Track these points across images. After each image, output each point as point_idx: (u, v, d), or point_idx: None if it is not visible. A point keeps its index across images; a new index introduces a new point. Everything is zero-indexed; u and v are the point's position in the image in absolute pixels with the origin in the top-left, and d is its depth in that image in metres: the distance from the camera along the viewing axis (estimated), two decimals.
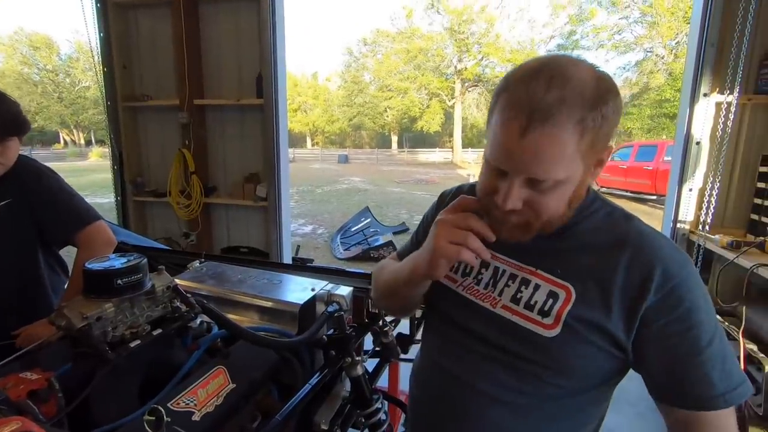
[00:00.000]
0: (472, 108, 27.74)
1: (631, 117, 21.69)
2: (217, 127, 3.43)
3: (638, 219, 0.70)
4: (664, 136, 18.51)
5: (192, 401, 0.72)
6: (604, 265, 0.66)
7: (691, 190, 2.68)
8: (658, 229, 0.71)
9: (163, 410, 0.58)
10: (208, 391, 0.75)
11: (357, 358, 1.01)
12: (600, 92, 0.58)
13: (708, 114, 2.57)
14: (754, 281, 2.33)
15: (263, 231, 3.41)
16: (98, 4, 3.24)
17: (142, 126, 3.60)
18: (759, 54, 2.47)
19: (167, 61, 3.30)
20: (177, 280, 0.87)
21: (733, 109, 2.43)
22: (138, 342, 0.73)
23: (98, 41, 3.31)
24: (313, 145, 40.95)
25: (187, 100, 3.20)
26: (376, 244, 6.00)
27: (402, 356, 1.37)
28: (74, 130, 35.34)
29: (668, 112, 19.43)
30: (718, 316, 0.70)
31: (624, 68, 23.14)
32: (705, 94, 2.56)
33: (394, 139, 36.43)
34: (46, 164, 1.41)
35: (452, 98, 27.94)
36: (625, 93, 23.52)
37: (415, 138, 35.95)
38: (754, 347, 2.17)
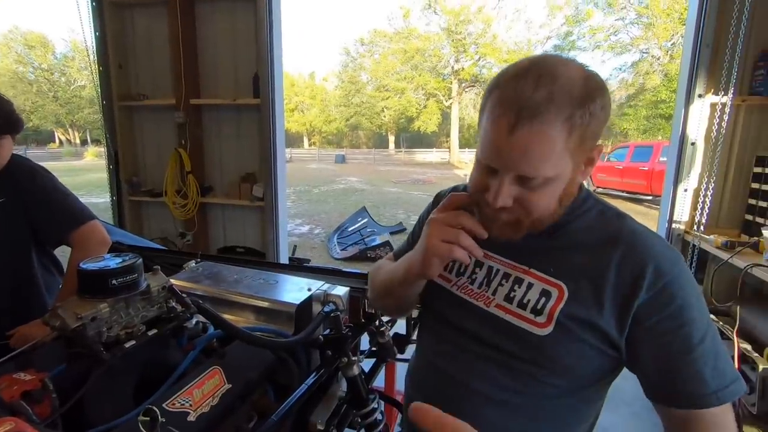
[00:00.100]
0: (469, 108, 27.79)
1: (627, 118, 21.81)
2: (213, 126, 3.42)
3: (630, 217, 0.71)
4: (660, 137, 18.61)
5: (187, 402, 0.72)
6: (597, 264, 0.66)
7: (686, 190, 2.70)
8: (654, 229, 0.71)
9: (157, 410, 0.58)
10: (203, 392, 0.75)
11: (353, 358, 1.01)
12: (588, 90, 0.59)
13: (703, 115, 2.59)
14: (748, 281, 2.34)
15: (260, 231, 3.40)
16: (94, 3, 3.23)
17: (138, 125, 3.59)
18: (753, 55, 2.49)
19: (163, 60, 3.29)
20: (173, 280, 0.87)
21: (727, 110, 2.45)
22: (133, 342, 0.72)
23: (94, 40, 3.29)
24: (310, 145, 40.91)
25: (183, 99, 3.20)
26: (373, 244, 5.99)
27: (398, 356, 1.37)
28: (69, 130, 35.15)
29: (664, 112, 19.53)
30: (712, 316, 0.70)
31: (620, 69, 23.30)
32: (700, 95, 2.57)
33: (391, 139, 36.43)
34: (41, 164, 1.40)
35: (449, 98, 27.98)
36: (621, 94, 23.64)
37: (413, 138, 35.99)
38: (748, 346, 2.19)
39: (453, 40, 25.70)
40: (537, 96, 0.57)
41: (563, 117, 0.57)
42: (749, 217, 2.59)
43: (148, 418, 0.58)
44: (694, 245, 2.58)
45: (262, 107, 3.05)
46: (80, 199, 1.41)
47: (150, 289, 0.80)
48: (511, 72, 0.61)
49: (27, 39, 29.49)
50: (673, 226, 2.77)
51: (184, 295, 0.84)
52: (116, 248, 1.61)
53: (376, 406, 1.06)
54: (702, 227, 2.58)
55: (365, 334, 1.23)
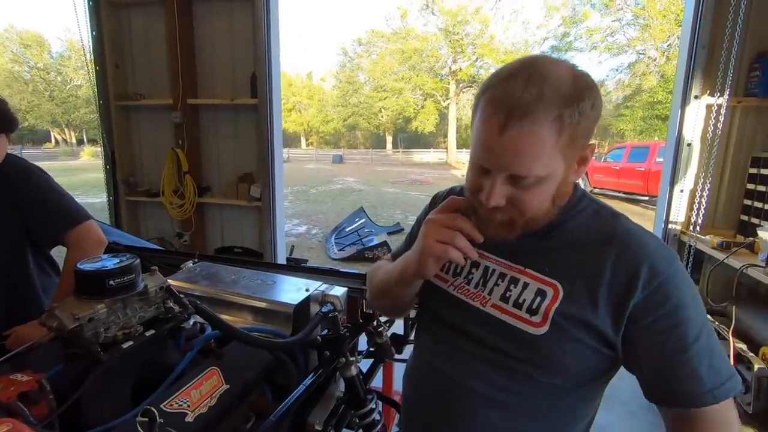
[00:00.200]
0: (467, 109, 27.82)
1: (623, 118, 21.89)
2: (210, 126, 3.42)
3: (625, 217, 0.71)
4: (656, 138, 18.69)
5: (185, 402, 0.72)
6: (592, 263, 0.67)
7: (682, 191, 2.71)
8: (650, 229, 0.71)
9: (155, 411, 0.58)
10: (201, 392, 0.75)
11: (351, 359, 1.01)
12: (577, 89, 0.59)
13: (699, 116, 2.60)
14: (743, 281, 2.36)
15: (257, 231, 3.40)
16: (91, 3, 3.21)
17: (134, 125, 3.58)
18: (748, 57, 2.50)
19: (160, 60, 3.28)
20: (170, 281, 0.87)
21: (723, 111, 2.46)
22: (131, 343, 0.72)
23: (91, 40, 3.28)
24: (307, 145, 40.88)
25: (180, 99, 3.19)
26: (371, 244, 5.99)
27: (396, 356, 1.37)
28: (65, 129, 34.96)
29: (660, 113, 19.61)
30: (708, 316, 0.70)
31: (617, 70, 23.43)
32: (696, 97, 2.59)
33: (389, 139, 36.45)
34: (37, 163, 1.39)
35: (447, 99, 28.00)
36: (617, 95, 23.75)
37: (410, 138, 35.98)
38: (744, 346, 2.20)
39: (450, 41, 25.71)
40: (526, 96, 0.57)
41: (553, 116, 0.58)
42: (744, 218, 2.61)
43: (146, 419, 0.58)
44: (690, 245, 2.60)
45: (260, 107, 3.05)
46: (76, 199, 1.40)
47: (147, 290, 0.80)
48: (502, 73, 0.62)
49: (23, 38, 29.31)
50: (670, 226, 2.78)
51: (181, 296, 0.84)
52: (113, 249, 1.60)
53: (374, 406, 1.06)
54: (698, 228, 2.59)
55: (363, 334, 1.23)
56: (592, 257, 0.67)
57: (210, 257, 1.56)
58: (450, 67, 26.92)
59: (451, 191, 0.90)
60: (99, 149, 3.43)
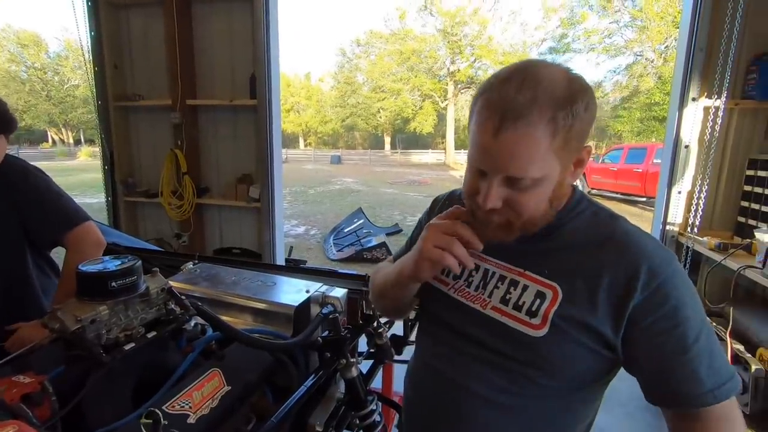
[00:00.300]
0: (465, 110, 27.78)
1: (621, 120, 21.94)
2: (209, 127, 3.41)
3: (624, 219, 0.72)
4: (654, 139, 18.74)
5: (187, 404, 0.72)
6: (591, 264, 0.67)
7: (680, 192, 2.73)
8: (648, 230, 0.72)
9: (160, 413, 0.58)
10: (203, 394, 0.75)
11: (352, 360, 1.01)
12: (571, 91, 0.60)
13: (696, 118, 2.62)
14: (741, 283, 2.37)
15: (256, 232, 3.39)
16: (89, 3, 3.20)
17: (133, 126, 3.57)
18: (746, 60, 2.52)
19: (159, 60, 3.28)
20: (170, 282, 0.87)
21: (720, 113, 2.47)
22: (133, 345, 0.72)
23: (89, 40, 3.27)
24: (305, 145, 40.84)
25: (179, 100, 3.18)
26: (369, 245, 5.99)
27: (396, 357, 1.37)
28: (63, 129, 34.83)
29: (657, 115, 19.66)
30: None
31: (614, 71, 23.45)
32: (694, 99, 2.60)
33: (387, 140, 36.44)
34: (34, 164, 1.39)
35: (445, 100, 28.02)
36: (615, 96, 23.81)
37: (408, 139, 36.00)
38: (741, 347, 2.22)
39: (449, 42, 25.74)
40: (521, 98, 0.59)
41: (547, 118, 0.59)
42: (742, 219, 2.62)
43: (150, 421, 0.58)
44: (687, 247, 2.61)
45: (259, 108, 3.05)
46: (74, 200, 1.40)
47: (149, 292, 0.80)
48: (497, 77, 0.63)
49: (20, 37, 29.20)
50: (667, 227, 2.79)
51: (182, 297, 0.84)
52: (113, 250, 1.60)
53: (374, 407, 1.06)
54: (695, 229, 2.60)
55: (363, 335, 1.23)
56: (591, 259, 0.67)
57: (210, 258, 1.56)
58: (448, 68, 26.95)
59: (452, 194, 0.91)
60: (96, 149, 3.43)
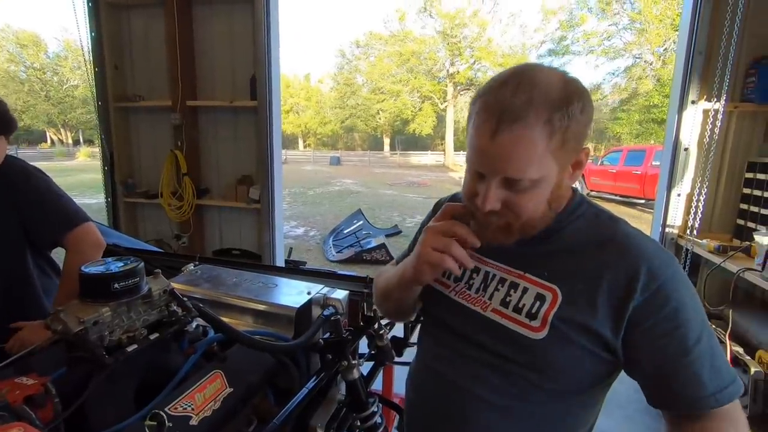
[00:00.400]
0: (464, 111, 27.53)
1: (619, 122, 21.98)
2: (210, 128, 3.41)
3: (624, 221, 0.72)
4: (653, 141, 18.77)
5: (189, 406, 0.72)
6: (591, 267, 0.67)
7: (679, 195, 2.73)
8: (647, 233, 0.72)
9: (164, 415, 0.58)
10: (205, 396, 0.75)
11: (353, 362, 1.01)
12: (567, 93, 0.61)
13: (696, 121, 2.62)
14: (740, 285, 2.38)
15: (256, 233, 3.39)
16: (90, 4, 3.21)
17: (133, 127, 3.57)
18: (745, 63, 2.53)
19: (160, 61, 3.28)
20: (171, 284, 0.87)
21: (720, 116, 2.48)
22: (135, 346, 0.72)
23: (89, 41, 3.27)
24: (305, 146, 40.82)
25: (179, 101, 3.18)
26: (369, 246, 5.99)
27: (396, 359, 1.37)
28: (62, 130, 34.77)
29: (656, 117, 19.69)
30: None
31: (613, 74, 23.47)
32: (693, 102, 2.61)
33: (386, 141, 36.43)
34: (34, 164, 1.39)
35: (444, 101, 28.04)
36: (614, 98, 23.84)
37: (408, 140, 36.01)
38: (741, 350, 2.22)
39: (448, 44, 25.76)
40: (517, 101, 0.59)
41: (543, 120, 0.59)
42: (741, 222, 2.63)
43: (154, 423, 0.58)
44: (687, 249, 2.61)
45: (259, 109, 3.05)
46: (74, 200, 1.40)
47: (151, 293, 0.80)
48: (494, 81, 0.64)
49: (19, 38, 29.17)
50: (667, 230, 2.80)
51: (184, 299, 0.84)
52: (114, 251, 1.60)
53: (375, 409, 1.06)
54: (695, 231, 2.61)
55: (363, 337, 1.23)
56: (591, 261, 0.68)
57: (211, 260, 1.56)
58: (447, 70, 26.98)
59: (454, 197, 0.91)
60: (95, 150, 3.43)
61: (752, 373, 2.08)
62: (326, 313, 1.03)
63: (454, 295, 0.79)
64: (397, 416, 1.35)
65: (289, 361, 0.94)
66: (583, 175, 11.63)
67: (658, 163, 8.12)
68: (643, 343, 0.64)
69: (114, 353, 0.70)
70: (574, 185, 0.75)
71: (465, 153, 0.69)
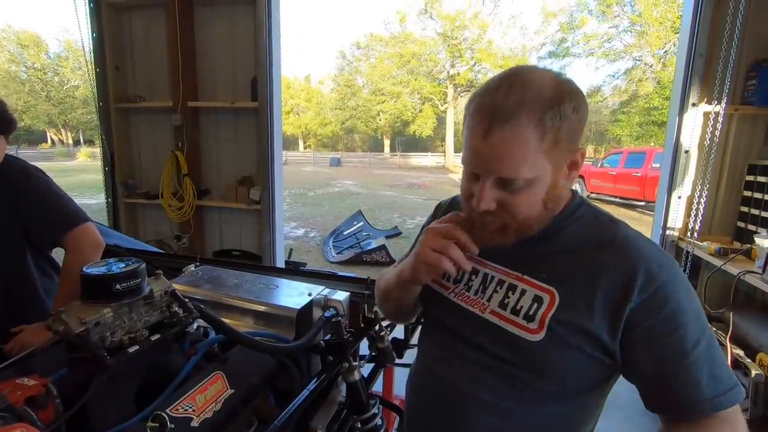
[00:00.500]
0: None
1: (620, 124, 22.01)
2: (210, 129, 3.41)
3: (624, 223, 0.72)
4: (653, 143, 18.79)
5: (190, 407, 0.72)
6: (589, 269, 0.67)
7: (679, 197, 2.73)
8: (648, 235, 0.72)
9: (166, 416, 0.58)
10: (206, 397, 0.75)
11: (354, 363, 1.01)
12: (558, 93, 0.61)
13: (696, 123, 2.63)
14: (740, 288, 2.38)
15: (256, 234, 3.39)
16: (91, 5, 3.21)
17: (134, 127, 3.57)
18: (745, 66, 2.53)
19: (161, 62, 3.28)
20: (173, 285, 0.87)
21: (720, 119, 2.48)
22: (136, 348, 0.72)
23: (91, 41, 3.28)
24: (305, 147, 40.84)
25: (180, 102, 3.18)
26: (369, 247, 5.98)
27: (397, 361, 1.37)
28: (62, 130, 34.77)
29: (656, 119, 19.71)
30: None
31: (613, 76, 23.49)
32: (693, 104, 2.61)
33: (387, 142, 36.46)
34: (34, 164, 1.39)
35: (445, 103, 28.08)
36: (614, 100, 23.87)
37: (408, 142, 36.03)
38: (741, 352, 2.22)
39: (449, 45, 25.81)
40: (509, 101, 0.60)
41: (535, 119, 0.60)
42: (741, 225, 2.63)
43: (156, 424, 0.58)
44: (687, 252, 2.61)
45: (260, 111, 3.05)
46: (74, 201, 1.40)
47: (153, 294, 0.80)
48: (489, 84, 0.65)
49: (20, 38, 29.18)
50: (667, 232, 2.80)
51: (186, 300, 0.84)
52: (115, 252, 1.60)
53: (376, 411, 1.06)
54: (695, 234, 2.61)
55: (364, 338, 1.23)
56: (590, 263, 0.68)
57: (212, 261, 1.56)
58: (448, 72, 27.02)
59: (454, 200, 0.91)
60: (96, 150, 3.43)
61: (753, 375, 2.08)
62: (327, 314, 1.03)
63: (453, 297, 0.80)
64: (398, 418, 1.34)
65: (290, 363, 0.94)
66: (583, 177, 11.67)
67: (658, 166, 8.12)
68: (641, 345, 0.63)
69: (115, 354, 0.70)
70: (573, 187, 0.75)
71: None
